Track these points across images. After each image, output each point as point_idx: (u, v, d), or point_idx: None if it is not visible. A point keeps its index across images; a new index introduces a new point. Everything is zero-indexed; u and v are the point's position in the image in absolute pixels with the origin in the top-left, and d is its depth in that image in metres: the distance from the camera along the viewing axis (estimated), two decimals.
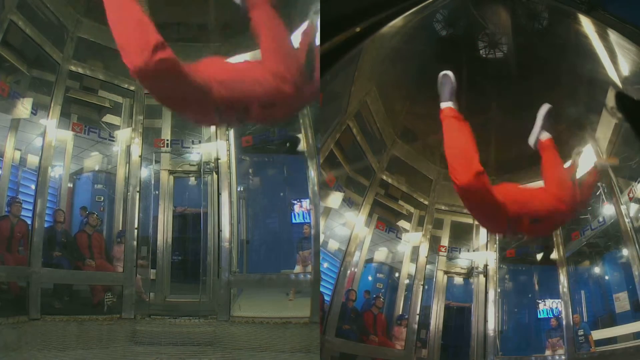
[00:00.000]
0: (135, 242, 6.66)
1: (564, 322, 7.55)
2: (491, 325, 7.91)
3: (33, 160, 6.81)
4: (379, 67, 7.53)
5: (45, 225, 6.22)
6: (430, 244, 8.31)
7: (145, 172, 7.48)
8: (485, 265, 8.30)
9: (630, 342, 6.77)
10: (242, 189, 7.68)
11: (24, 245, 6.07)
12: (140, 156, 6.92)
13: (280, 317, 6.26)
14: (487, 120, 8.19)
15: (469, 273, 8.58)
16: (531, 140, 4.71)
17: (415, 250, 8.30)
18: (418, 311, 7.86)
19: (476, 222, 8.65)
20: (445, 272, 8.60)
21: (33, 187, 6.38)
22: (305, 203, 7.45)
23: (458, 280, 8.95)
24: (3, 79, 6.03)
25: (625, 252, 7.18)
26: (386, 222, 8.46)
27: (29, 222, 6.13)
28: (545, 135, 4.64)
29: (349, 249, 7.48)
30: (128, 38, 2.33)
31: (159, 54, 2.33)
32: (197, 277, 7.28)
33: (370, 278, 9.32)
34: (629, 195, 6.98)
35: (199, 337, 6.16)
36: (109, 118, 7.49)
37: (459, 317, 8.73)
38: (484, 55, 8.24)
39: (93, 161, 8.30)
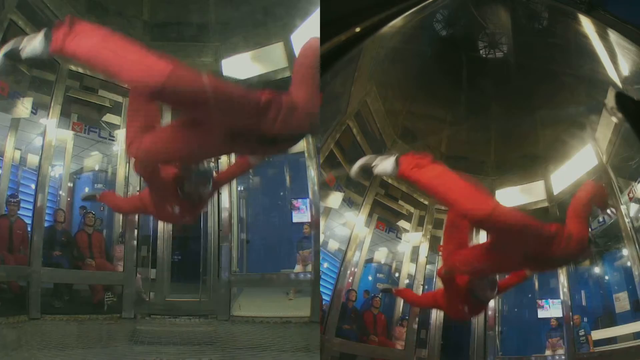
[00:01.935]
0: (135, 242, 6.66)
1: (564, 322, 7.55)
2: (491, 325, 7.91)
3: (33, 159, 6.81)
4: (379, 67, 7.53)
5: (45, 225, 6.22)
6: (430, 244, 8.29)
7: None
8: None
9: (630, 342, 6.77)
10: (242, 189, 7.68)
11: (24, 244, 6.07)
12: None
13: (280, 316, 6.27)
14: (487, 120, 8.20)
15: None
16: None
17: (415, 250, 8.30)
18: (418, 311, 7.86)
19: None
20: None
21: (33, 186, 6.37)
22: (306, 203, 7.44)
23: None
24: (3, 78, 6.03)
25: (625, 252, 7.17)
26: (386, 222, 8.46)
27: (28, 222, 6.14)
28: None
29: (349, 249, 7.48)
30: None
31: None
32: (197, 276, 7.28)
33: (370, 278, 9.31)
34: (629, 195, 6.98)
35: (199, 336, 6.16)
36: (109, 117, 7.48)
37: None
38: (484, 55, 8.24)
39: (93, 161, 8.30)
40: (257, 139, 2.25)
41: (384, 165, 3.16)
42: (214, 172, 3.44)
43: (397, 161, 3.12)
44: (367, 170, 3.25)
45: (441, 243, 8.50)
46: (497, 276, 4.11)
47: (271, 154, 3.00)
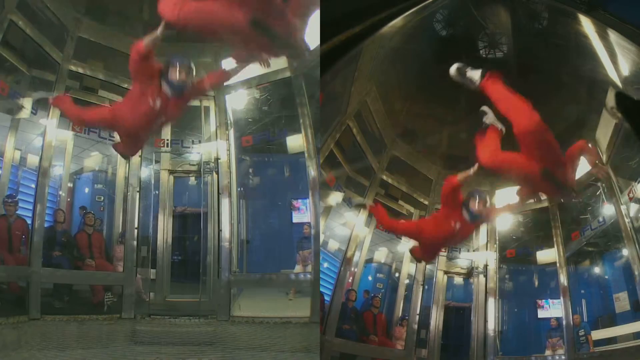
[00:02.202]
0: (135, 242, 6.66)
1: (564, 322, 7.56)
2: (491, 325, 7.91)
3: (33, 160, 6.81)
4: (379, 67, 7.53)
5: (46, 225, 6.22)
6: None
7: (145, 172, 7.47)
8: (485, 265, 8.29)
9: (630, 342, 6.78)
10: (242, 189, 7.68)
11: (25, 244, 6.07)
12: (140, 156, 6.91)
13: (280, 317, 6.27)
14: None
15: (469, 273, 8.57)
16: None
17: None
18: (418, 311, 7.86)
19: None
20: (445, 272, 8.59)
21: (33, 187, 6.37)
22: (306, 203, 7.45)
23: (458, 280, 8.94)
24: (3, 78, 6.03)
25: (625, 252, 7.18)
26: None
27: (29, 222, 6.13)
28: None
29: (349, 249, 7.48)
30: None
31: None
32: (197, 277, 7.29)
33: (370, 278, 9.31)
34: (629, 195, 6.98)
35: (199, 337, 6.17)
36: None
37: (459, 317, 8.73)
38: (484, 55, 8.24)
39: (93, 161, 8.30)
40: (270, 33, 3.00)
41: (474, 73, 4.04)
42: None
43: (483, 74, 3.99)
44: (461, 72, 4.09)
45: None
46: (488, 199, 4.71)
47: (272, 53, 3.61)
